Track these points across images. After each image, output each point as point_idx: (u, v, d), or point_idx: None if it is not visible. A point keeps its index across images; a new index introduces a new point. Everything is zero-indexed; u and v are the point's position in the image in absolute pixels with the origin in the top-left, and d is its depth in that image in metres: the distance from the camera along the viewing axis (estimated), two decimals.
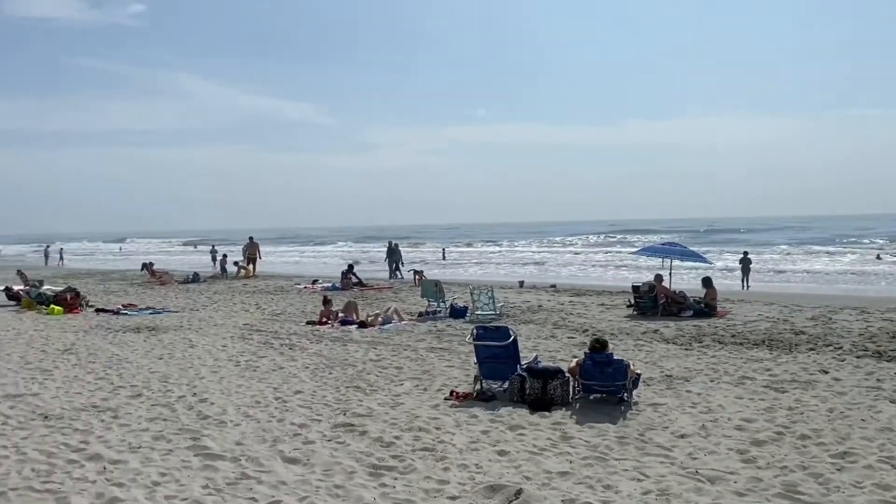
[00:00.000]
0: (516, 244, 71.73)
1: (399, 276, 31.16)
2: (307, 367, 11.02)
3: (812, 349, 11.89)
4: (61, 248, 59.40)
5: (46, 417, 8.11)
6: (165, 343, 13.58)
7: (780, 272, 33.46)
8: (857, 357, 11.07)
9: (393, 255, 31.97)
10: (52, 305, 19.20)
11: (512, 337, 9.18)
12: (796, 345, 12.30)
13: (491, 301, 16.96)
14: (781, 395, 8.73)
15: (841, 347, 11.91)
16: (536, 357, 9.82)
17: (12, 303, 21.08)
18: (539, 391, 8.41)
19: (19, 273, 28.86)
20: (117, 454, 6.72)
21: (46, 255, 55.24)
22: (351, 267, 27.57)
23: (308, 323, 16.20)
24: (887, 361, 10.69)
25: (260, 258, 33.67)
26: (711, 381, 9.67)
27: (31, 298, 20.23)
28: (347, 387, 9.60)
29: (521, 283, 25.58)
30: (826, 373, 9.99)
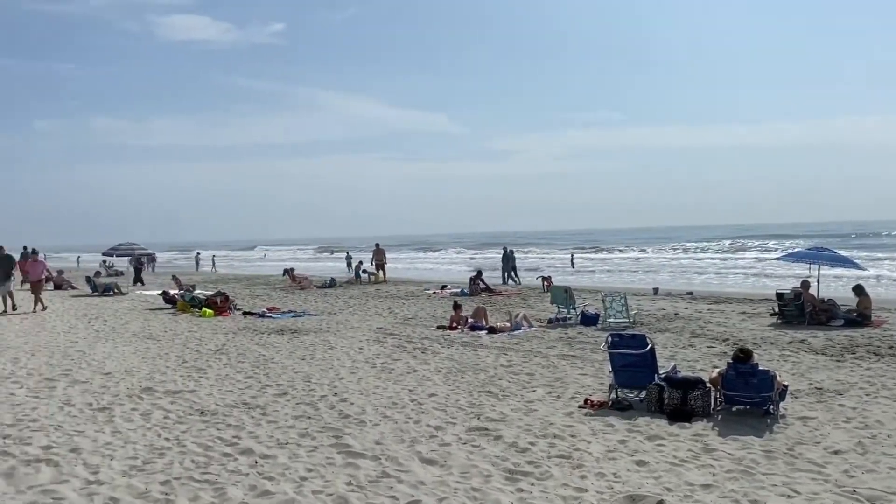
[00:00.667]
0: (646, 250, 69.75)
1: (512, 282, 31.06)
2: (440, 371, 11.22)
3: None
4: (213, 255, 63.39)
5: (202, 413, 8.69)
6: (307, 345, 14.21)
7: None
8: None
9: (508, 262, 31.98)
10: (203, 308, 20.56)
11: (649, 345, 8.96)
12: None
13: (624, 308, 16.57)
14: None
15: None
16: (675, 366, 9.52)
17: (168, 306, 22.75)
18: (678, 401, 8.16)
19: (174, 278, 31.15)
20: (267, 449, 7.11)
21: (197, 262, 58.96)
22: (480, 273, 27.82)
23: (439, 328, 16.48)
24: None
25: (386, 263, 34.74)
26: (867, 394, 9.04)
27: (185, 302, 21.71)
28: (480, 391, 9.69)
29: (656, 291, 24.84)
30: None
